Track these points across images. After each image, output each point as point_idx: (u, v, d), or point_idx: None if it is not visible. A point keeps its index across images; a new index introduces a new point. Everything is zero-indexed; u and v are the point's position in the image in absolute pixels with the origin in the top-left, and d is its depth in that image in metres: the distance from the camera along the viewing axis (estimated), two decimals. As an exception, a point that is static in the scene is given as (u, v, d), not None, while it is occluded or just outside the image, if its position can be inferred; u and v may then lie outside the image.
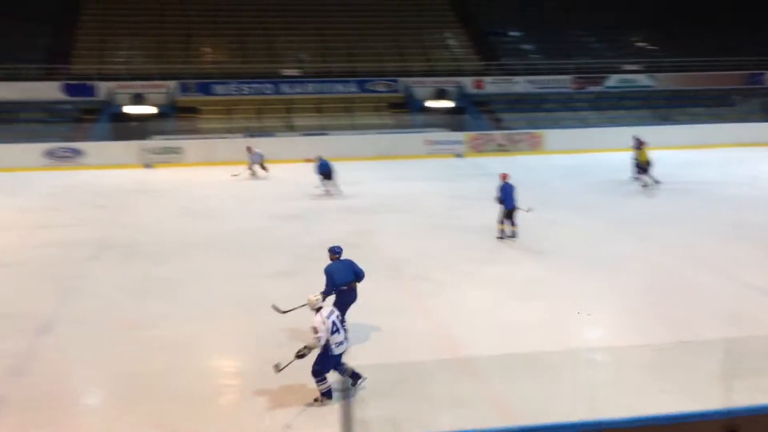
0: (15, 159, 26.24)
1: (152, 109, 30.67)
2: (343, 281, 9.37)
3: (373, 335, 10.06)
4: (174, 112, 31.09)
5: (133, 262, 14.14)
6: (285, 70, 33.51)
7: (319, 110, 32.59)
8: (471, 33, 37.34)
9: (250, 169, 24.43)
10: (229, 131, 30.46)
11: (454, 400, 8.02)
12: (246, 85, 32.57)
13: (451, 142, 30.26)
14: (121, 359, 9.45)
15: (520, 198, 15.26)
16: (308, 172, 21.79)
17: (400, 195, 21.12)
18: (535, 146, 30.38)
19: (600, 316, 10.90)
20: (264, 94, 32.67)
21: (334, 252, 9.73)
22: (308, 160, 22.11)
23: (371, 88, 33.53)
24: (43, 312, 11.25)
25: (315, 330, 7.75)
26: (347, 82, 33.44)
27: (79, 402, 8.61)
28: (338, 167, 21.48)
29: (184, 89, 32.02)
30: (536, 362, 8.83)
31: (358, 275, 9.51)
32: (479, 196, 19.42)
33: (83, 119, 30.07)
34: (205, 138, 29.34)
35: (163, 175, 25.39)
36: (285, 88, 32.97)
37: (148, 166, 27.20)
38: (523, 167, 24.53)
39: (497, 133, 31.08)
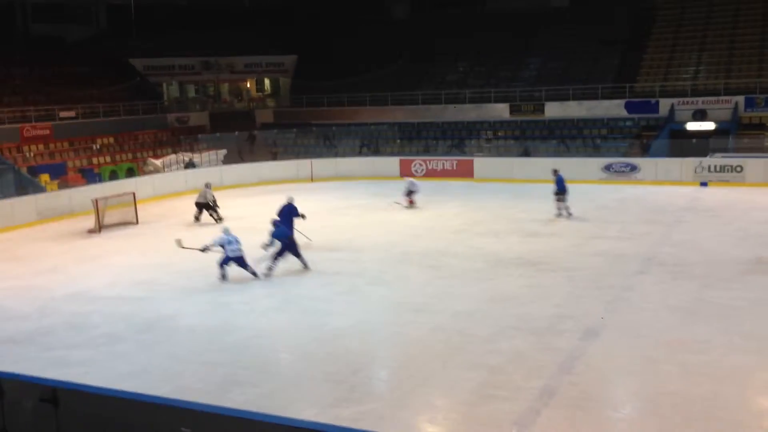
0: (576, 171, 28.21)
1: (711, 125, 29.47)
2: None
3: None
4: (736, 129, 29.20)
5: (682, 282, 13.72)
6: None
7: None
8: None
9: None
10: (801, 151, 27.15)
11: None
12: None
13: None
14: (665, 378, 9.24)
15: None
16: None
17: None
18: None
19: None
20: None
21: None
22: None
23: None
24: (592, 317, 11.78)
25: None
26: None
27: (620, 410, 8.72)
28: None
29: (750, 104, 29.78)
30: None
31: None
32: None
33: (642, 135, 30.58)
34: (771, 157, 26.73)
35: (718, 195, 24.04)
36: None
37: (703, 184, 26.14)
38: None
39: None
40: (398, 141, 34.60)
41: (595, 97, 32.41)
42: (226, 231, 14.96)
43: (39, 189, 24.32)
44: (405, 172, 30.95)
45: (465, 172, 30.14)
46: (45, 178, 25.49)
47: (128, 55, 38.33)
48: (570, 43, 36.00)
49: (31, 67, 34.17)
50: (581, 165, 28.50)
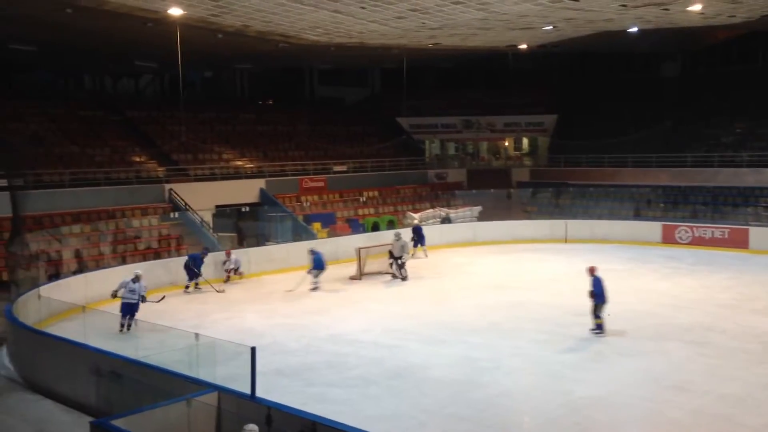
0: None
1: None
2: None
3: None
4: None
5: None
6: None
7: None
8: None
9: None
10: None
11: None
12: None
13: None
14: None
15: None
16: None
17: None
18: None
19: None
20: None
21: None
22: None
23: None
24: None
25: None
26: None
27: None
28: None
29: None
30: None
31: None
32: None
33: None
34: None
35: None
36: None
37: None
38: None
39: None
40: (662, 205, 32.64)
41: None
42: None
43: (311, 236, 26.72)
44: (668, 237, 29.04)
45: (738, 242, 27.45)
46: (317, 226, 27.95)
47: (397, 114, 41.02)
48: None
49: (314, 124, 38.02)
50: None
